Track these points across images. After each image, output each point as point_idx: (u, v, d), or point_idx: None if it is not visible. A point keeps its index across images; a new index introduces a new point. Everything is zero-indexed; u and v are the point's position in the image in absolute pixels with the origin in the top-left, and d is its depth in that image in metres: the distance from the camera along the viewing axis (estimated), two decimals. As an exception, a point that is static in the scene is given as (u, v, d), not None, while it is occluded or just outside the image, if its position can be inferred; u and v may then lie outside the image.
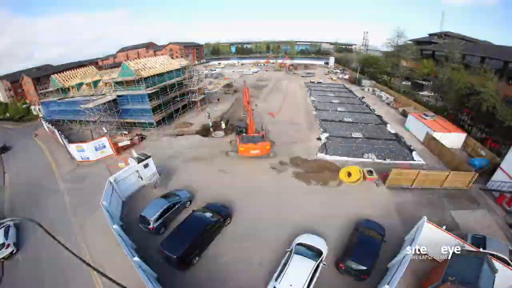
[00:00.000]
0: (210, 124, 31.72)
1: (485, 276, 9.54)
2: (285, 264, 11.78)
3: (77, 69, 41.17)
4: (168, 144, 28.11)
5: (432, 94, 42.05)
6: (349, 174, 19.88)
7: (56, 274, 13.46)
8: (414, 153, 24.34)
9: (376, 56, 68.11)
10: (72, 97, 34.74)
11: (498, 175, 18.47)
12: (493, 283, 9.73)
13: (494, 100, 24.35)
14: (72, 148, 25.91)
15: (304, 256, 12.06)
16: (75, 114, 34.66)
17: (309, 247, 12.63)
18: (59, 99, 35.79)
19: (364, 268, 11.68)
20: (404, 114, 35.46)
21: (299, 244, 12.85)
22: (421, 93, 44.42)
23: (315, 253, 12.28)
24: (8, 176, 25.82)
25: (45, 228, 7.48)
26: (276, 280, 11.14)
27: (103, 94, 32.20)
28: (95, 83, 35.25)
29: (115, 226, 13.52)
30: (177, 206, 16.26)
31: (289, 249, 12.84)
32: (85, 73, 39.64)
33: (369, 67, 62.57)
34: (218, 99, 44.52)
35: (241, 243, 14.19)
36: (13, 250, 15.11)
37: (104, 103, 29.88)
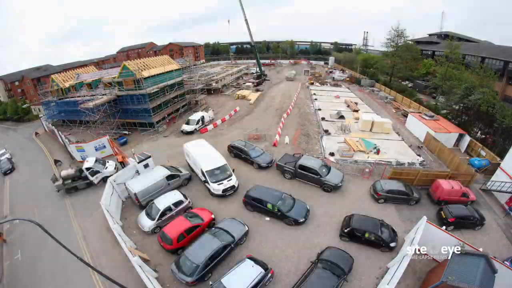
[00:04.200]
0: None
1: (485, 276, 9.54)
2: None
3: (77, 69, 41.16)
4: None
5: (434, 98, 41.78)
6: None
7: (56, 274, 13.47)
8: None
9: (376, 56, 68.00)
10: (72, 97, 34.69)
11: (498, 175, 18.42)
12: (493, 283, 9.74)
13: (494, 100, 24.32)
14: (72, 148, 25.92)
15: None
16: (75, 114, 34.62)
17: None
18: (59, 99, 35.74)
19: None
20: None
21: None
22: (421, 97, 43.78)
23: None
24: (8, 177, 25.84)
25: (45, 228, 7.46)
26: None
27: (103, 94, 32.14)
28: (95, 83, 35.25)
29: (115, 226, 13.54)
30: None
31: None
32: (85, 73, 39.61)
33: (369, 67, 62.49)
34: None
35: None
36: None
37: (104, 103, 29.88)
